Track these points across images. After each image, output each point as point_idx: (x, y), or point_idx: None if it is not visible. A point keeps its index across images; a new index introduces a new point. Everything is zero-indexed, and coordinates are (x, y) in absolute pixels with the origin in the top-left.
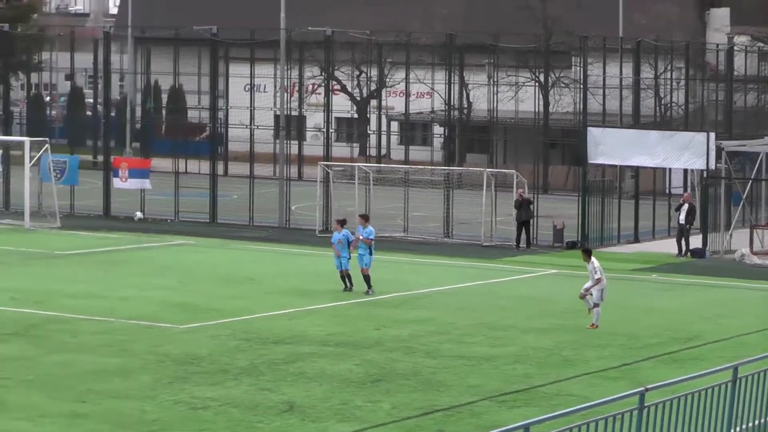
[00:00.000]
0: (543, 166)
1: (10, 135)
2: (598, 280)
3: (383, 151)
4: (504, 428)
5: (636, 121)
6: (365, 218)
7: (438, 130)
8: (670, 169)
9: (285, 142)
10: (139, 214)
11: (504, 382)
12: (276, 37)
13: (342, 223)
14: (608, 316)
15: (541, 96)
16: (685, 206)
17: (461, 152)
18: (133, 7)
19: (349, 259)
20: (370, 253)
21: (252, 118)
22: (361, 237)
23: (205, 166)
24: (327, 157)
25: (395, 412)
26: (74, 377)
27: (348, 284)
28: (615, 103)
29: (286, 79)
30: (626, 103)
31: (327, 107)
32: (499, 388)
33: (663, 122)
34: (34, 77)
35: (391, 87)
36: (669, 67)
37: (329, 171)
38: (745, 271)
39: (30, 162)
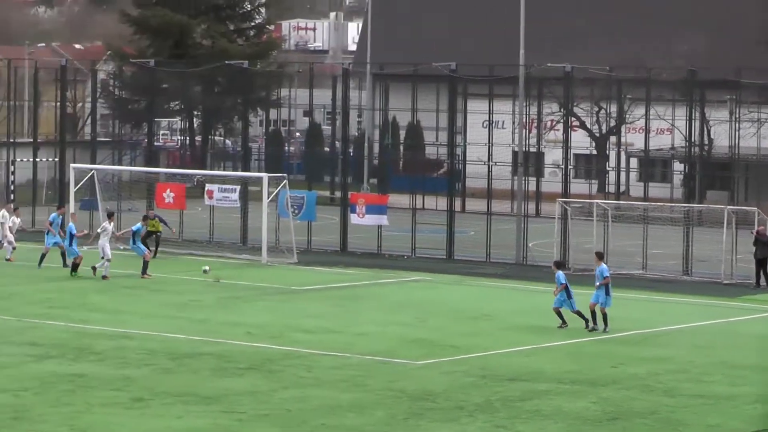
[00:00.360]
0: None
1: (249, 171)
2: None
3: (622, 188)
4: None
5: None
6: (600, 256)
7: (678, 166)
8: None
9: (523, 178)
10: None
11: (744, 423)
12: (515, 74)
13: (558, 265)
14: None
15: None
16: None
17: (701, 189)
18: (372, 43)
19: (565, 299)
20: (607, 293)
21: (490, 154)
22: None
23: (442, 202)
24: (565, 193)
25: None
26: (309, 412)
27: (562, 321)
28: None
29: (524, 116)
30: None
31: (565, 143)
32: (739, 428)
33: None
34: (273, 113)
35: (630, 123)
36: None
37: (567, 208)
38: None
39: (268, 198)
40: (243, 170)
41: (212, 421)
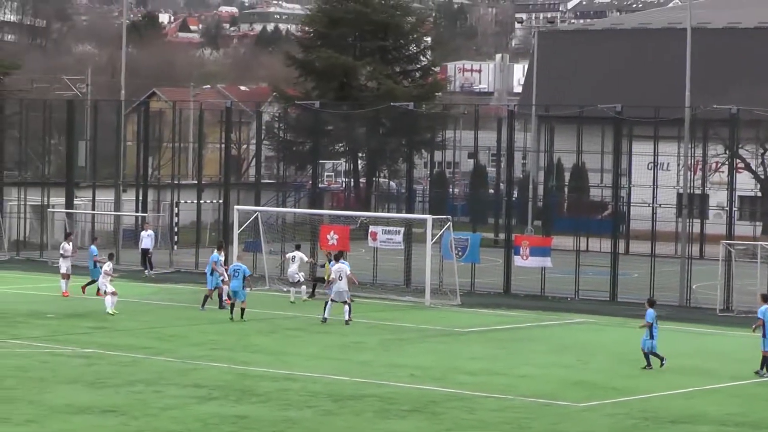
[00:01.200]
0: None
1: (413, 212)
2: None
3: None
4: None
5: None
6: (764, 298)
7: None
8: None
9: (687, 220)
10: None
11: None
12: (681, 115)
13: (651, 303)
14: None
15: None
16: None
17: None
18: (537, 85)
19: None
20: (764, 335)
21: (654, 196)
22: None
23: (606, 244)
24: (729, 235)
25: None
26: None
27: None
28: None
29: (689, 157)
30: None
31: (730, 185)
32: None
33: None
34: (438, 155)
35: None
36: None
37: (731, 250)
38: None
39: (432, 239)
40: (407, 212)
41: None
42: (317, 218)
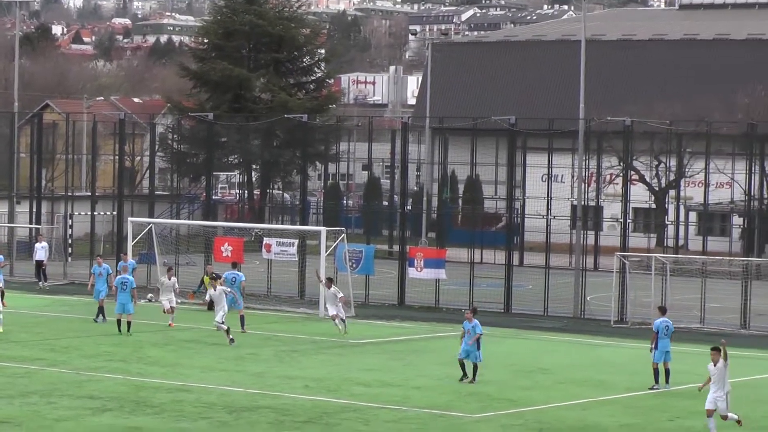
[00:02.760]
0: None
1: (307, 224)
2: None
3: (681, 242)
4: None
5: None
6: (662, 311)
7: (737, 220)
8: None
9: (582, 232)
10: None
11: None
12: (575, 127)
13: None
14: None
15: None
16: None
17: (760, 243)
18: (431, 97)
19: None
20: (655, 347)
21: (549, 208)
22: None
23: (500, 256)
24: (624, 247)
25: None
26: None
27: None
28: None
29: (583, 169)
30: None
31: (624, 197)
32: None
33: None
34: (332, 167)
35: (690, 177)
36: None
37: (626, 261)
38: None
39: (326, 251)
40: (301, 224)
41: None
42: (211, 230)
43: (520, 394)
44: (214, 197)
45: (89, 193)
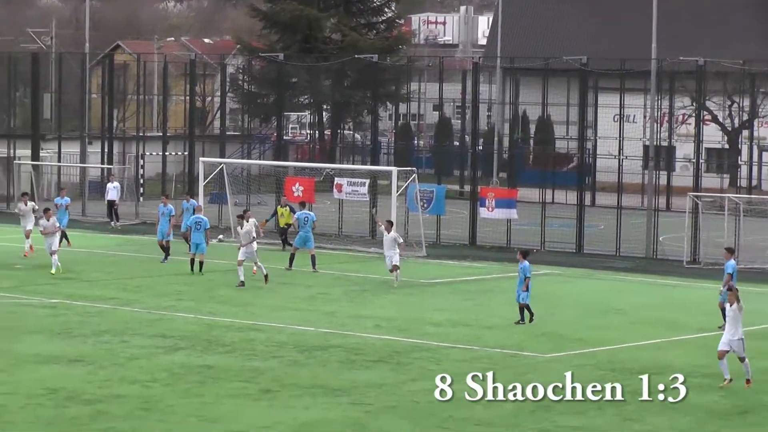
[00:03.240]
0: None
1: (378, 164)
2: None
3: (754, 182)
4: None
5: None
6: (730, 252)
7: None
8: None
9: (654, 172)
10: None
11: None
12: (647, 68)
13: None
14: None
15: None
16: None
17: None
18: (502, 37)
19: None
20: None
21: (621, 148)
22: None
23: (572, 196)
24: (696, 187)
25: None
26: (437, 404)
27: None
28: None
29: (656, 109)
30: None
31: (697, 137)
32: None
33: None
34: (403, 107)
35: (763, 117)
36: None
37: (698, 202)
38: None
39: (397, 191)
40: (372, 164)
41: (340, 413)
42: (282, 170)
43: (593, 334)
44: (284, 137)
45: (160, 134)
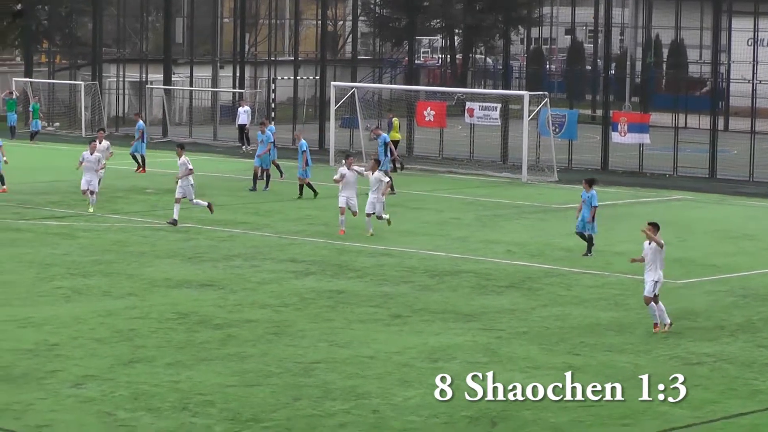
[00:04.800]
0: None
1: (509, 89)
2: None
3: None
4: None
5: None
6: None
7: None
8: None
9: None
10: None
11: None
12: None
13: None
14: None
15: None
16: None
17: None
18: None
19: None
20: None
21: (754, 72)
22: None
23: (705, 121)
24: None
25: None
26: (568, 330)
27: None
28: None
29: None
30: None
31: None
32: None
33: None
34: (534, 31)
35: None
36: None
37: None
38: None
39: (529, 116)
40: (504, 88)
41: (471, 339)
42: (413, 94)
43: (725, 260)
44: (416, 62)
45: (292, 58)
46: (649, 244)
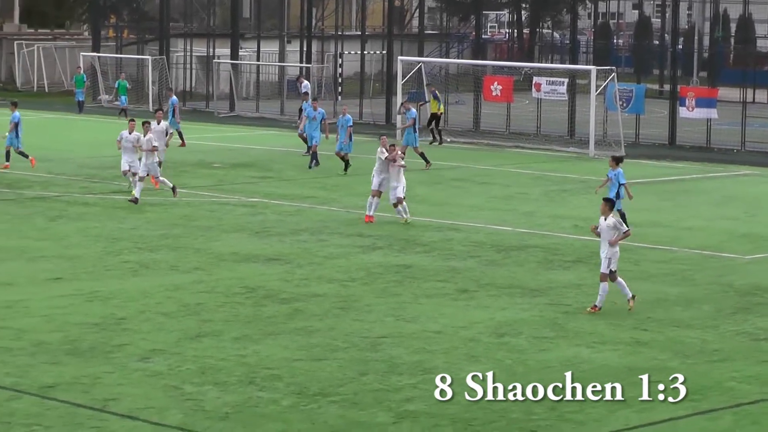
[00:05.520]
0: None
1: (576, 64)
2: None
3: None
4: None
5: None
6: None
7: None
8: None
9: None
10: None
11: None
12: None
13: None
14: None
15: None
16: None
17: None
18: None
19: None
20: None
21: None
22: None
23: None
24: None
25: None
26: (635, 305)
27: None
28: None
29: None
30: None
31: None
32: None
33: None
34: (602, 6)
35: None
36: None
37: None
38: None
39: (596, 91)
40: (571, 63)
41: (537, 314)
42: (480, 69)
43: None
44: (483, 36)
45: (359, 33)
46: (605, 219)
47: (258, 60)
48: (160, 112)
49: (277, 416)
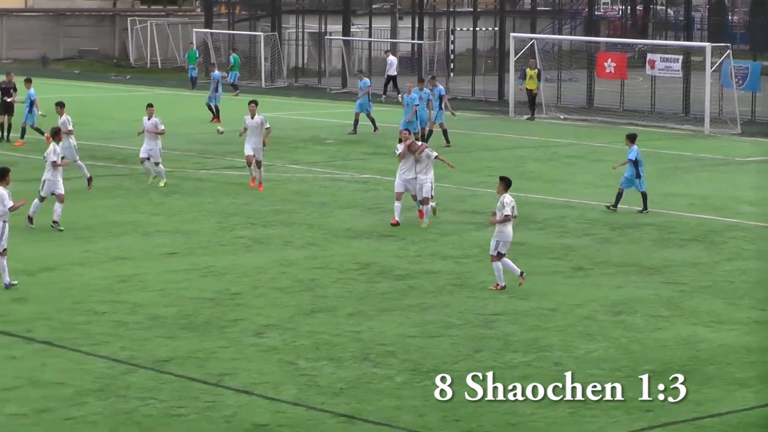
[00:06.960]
0: None
1: (691, 41)
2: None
3: None
4: None
5: None
6: None
7: None
8: None
9: None
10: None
11: None
12: None
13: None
14: None
15: None
16: None
17: None
18: None
19: None
20: None
21: None
22: None
23: None
24: None
25: None
26: (751, 284)
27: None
28: None
29: None
30: None
31: None
32: None
33: None
34: None
35: None
36: None
37: None
38: None
39: (711, 68)
40: (685, 40)
41: (653, 292)
42: (593, 46)
43: None
44: (596, 13)
45: (471, 9)
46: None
47: (370, 36)
48: (254, 104)
49: (391, 392)
